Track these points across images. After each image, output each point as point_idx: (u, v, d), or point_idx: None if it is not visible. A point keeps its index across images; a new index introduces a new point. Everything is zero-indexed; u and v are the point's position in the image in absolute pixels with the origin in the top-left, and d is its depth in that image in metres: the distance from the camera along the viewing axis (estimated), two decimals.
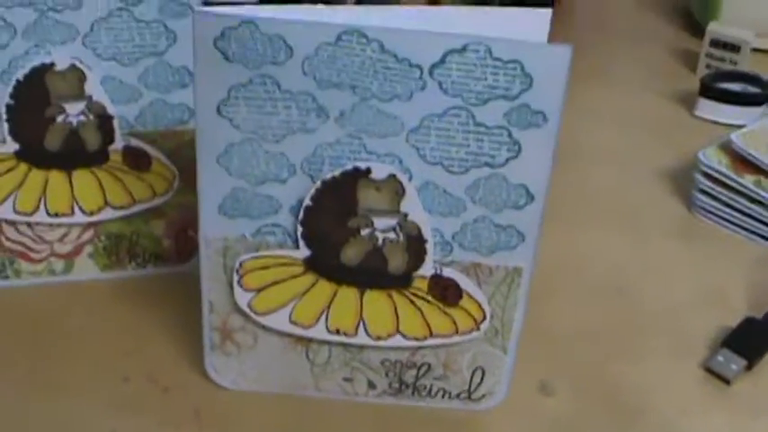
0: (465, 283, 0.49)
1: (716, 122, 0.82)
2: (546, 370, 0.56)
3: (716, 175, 0.67)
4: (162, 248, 0.59)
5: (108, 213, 0.57)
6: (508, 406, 0.53)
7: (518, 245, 0.48)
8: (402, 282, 0.48)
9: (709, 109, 0.81)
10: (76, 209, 0.56)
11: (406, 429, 0.52)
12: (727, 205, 0.67)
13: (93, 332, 0.56)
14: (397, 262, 0.48)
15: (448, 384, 0.52)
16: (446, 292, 0.49)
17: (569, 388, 0.55)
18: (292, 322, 0.49)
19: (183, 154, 0.56)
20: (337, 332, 0.49)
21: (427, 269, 0.48)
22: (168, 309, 0.57)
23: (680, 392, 0.56)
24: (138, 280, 0.59)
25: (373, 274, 0.48)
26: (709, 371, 0.57)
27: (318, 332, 0.50)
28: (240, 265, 0.48)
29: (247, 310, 0.49)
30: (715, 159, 0.68)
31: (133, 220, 0.58)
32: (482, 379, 0.52)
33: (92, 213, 0.57)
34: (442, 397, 0.52)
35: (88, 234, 0.58)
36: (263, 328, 0.50)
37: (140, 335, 0.56)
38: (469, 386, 0.52)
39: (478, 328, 0.50)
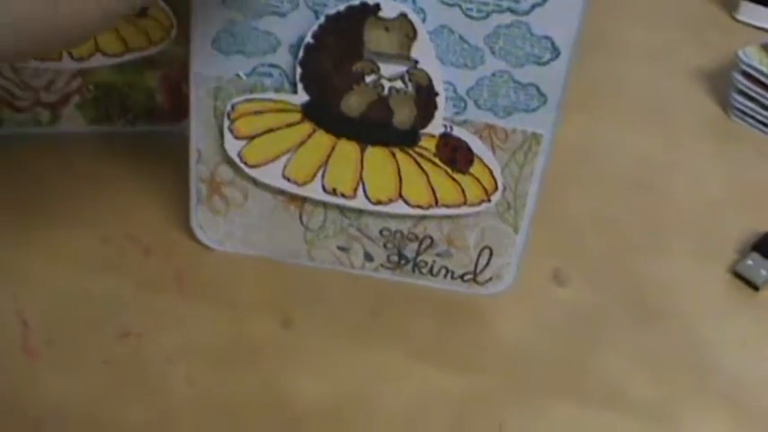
0: (477, 146, 0.44)
1: (758, 28, 0.76)
2: (561, 258, 0.52)
3: (756, 74, 0.62)
4: (155, 104, 0.54)
5: (98, 60, 0.52)
6: (517, 293, 0.49)
7: (539, 107, 0.43)
8: (408, 139, 0.44)
9: (751, 12, 0.76)
10: (64, 53, 0.51)
11: (402, 309, 0.48)
12: (766, 108, 0.62)
13: (74, 189, 0.52)
14: (403, 115, 0.43)
15: (451, 263, 0.48)
16: (455, 154, 0.44)
17: (585, 279, 0.51)
18: (285, 177, 0.45)
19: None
20: (334, 192, 0.45)
21: (436, 127, 0.44)
22: (157, 170, 0.53)
23: (704, 295, 0.51)
24: (127, 137, 0.55)
25: (376, 128, 0.44)
26: (737, 275, 0.52)
27: (314, 191, 0.45)
28: (232, 108, 0.44)
29: (237, 161, 0.45)
30: (756, 58, 0.62)
31: (125, 70, 0.53)
32: (489, 259, 0.47)
33: (81, 59, 0.52)
34: (445, 276, 0.48)
35: (76, 83, 0.53)
36: (254, 182, 0.46)
37: (125, 195, 0.52)
38: (475, 267, 0.48)
39: (489, 200, 0.45)
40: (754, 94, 0.62)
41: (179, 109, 0.54)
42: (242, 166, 0.45)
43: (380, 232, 0.47)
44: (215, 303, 0.46)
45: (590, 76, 0.62)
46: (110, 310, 0.45)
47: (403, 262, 0.48)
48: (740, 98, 0.63)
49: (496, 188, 0.45)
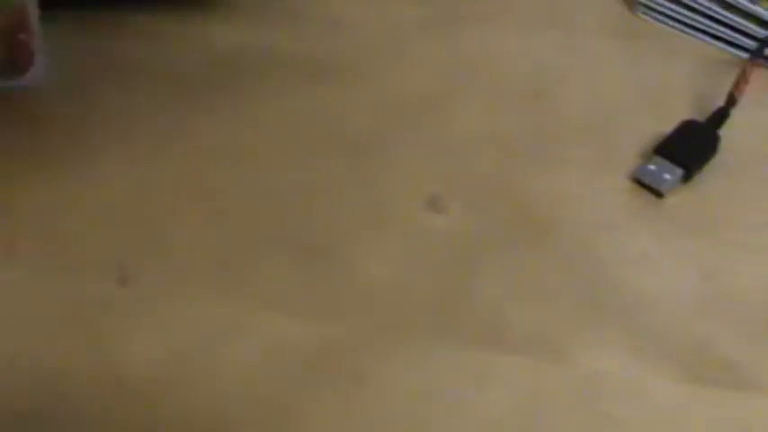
0: None
1: None
2: (439, 182, 0.46)
3: None
4: None
5: None
6: (384, 225, 0.43)
7: None
8: None
9: None
10: None
11: (254, 255, 0.42)
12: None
13: None
14: None
15: None
16: None
17: (467, 204, 0.46)
18: None
19: None
20: None
21: None
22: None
23: (601, 208, 0.47)
24: None
25: None
26: (639, 182, 0.47)
27: None
28: None
29: None
30: None
31: None
32: None
33: None
34: None
35: None
36: None
37: None
38: None
39: None
40: None
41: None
42: None
43: None
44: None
45: None
46: None
47: None
48: None
49: None
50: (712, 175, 0.48)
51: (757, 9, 0.54)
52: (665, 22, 0.57)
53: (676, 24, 0.57)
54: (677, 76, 0.54)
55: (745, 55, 0.54)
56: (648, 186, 0.47)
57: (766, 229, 0.45)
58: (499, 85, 0.53)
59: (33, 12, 0.45)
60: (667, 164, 0.47)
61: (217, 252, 0.43)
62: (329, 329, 0.40)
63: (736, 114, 0.50)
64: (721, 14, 0.55)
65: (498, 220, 0.45)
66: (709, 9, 0.55)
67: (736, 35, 0.55)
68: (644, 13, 0.58)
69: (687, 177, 0.47)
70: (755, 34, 0.54)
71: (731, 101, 0.49)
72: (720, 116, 0.49)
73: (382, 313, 0.41)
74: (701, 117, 0.50)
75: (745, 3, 0.54)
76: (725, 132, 0.49)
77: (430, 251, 0.44)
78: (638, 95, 0.52)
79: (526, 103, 0.52)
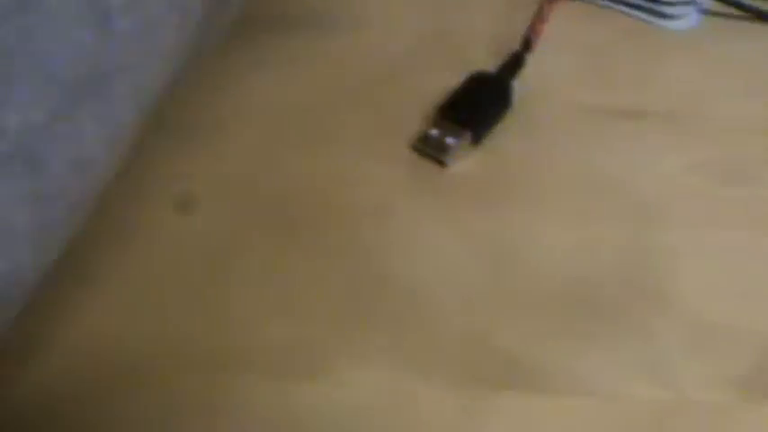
0: None
1: None
2: (188, 178, 0.39)
3: None
4: None
5: None
6: (133, 231, 0.36)
7: None
8: None
9: None
10: None
11: None
12: None
13: None
14: None
15: None
16: None
17: (221, 200, 0.38)
18: None
19: None
20: None
21: None
22: None
23: (375, 185, 0.39)
24: None
25: None
26: (420, 151, 0.40)
27: None
28: None
29: None
30: None
31: None
32: None
33: None
34: None
35: None
36: None
37: None
38: None
39: None
40: None
41: None
42: None
43: None
44: None
45: None
46: None
47: None
48: None
49: None
50: (506, 136, 0.41)
51: None
52: None
53: None
54: (469, 22, 0.46)
55: None
56: (430, 155, 0.40)
57: (565, 197, 0.39)
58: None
59: None
60: (452, 126, 0.40)
61: None
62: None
63: (533, 60, 0.43)
64: None
65: (258, 217, 0.38)
66: None
67: None
68: None
69: (476, 140, 0.41)
70: None
71: (527, 45, 0.43)
72: (513, 64, 0.42)
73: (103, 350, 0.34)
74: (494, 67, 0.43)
75: None
76: (520, 83, 0.42)
77: (176, 261, 0.36)
78: (425, 48, 0.45)
79: (296, 70, 0.44)
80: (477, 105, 0.41)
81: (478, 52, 0.44)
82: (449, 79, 0.42)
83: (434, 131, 0.40)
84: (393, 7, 0.47)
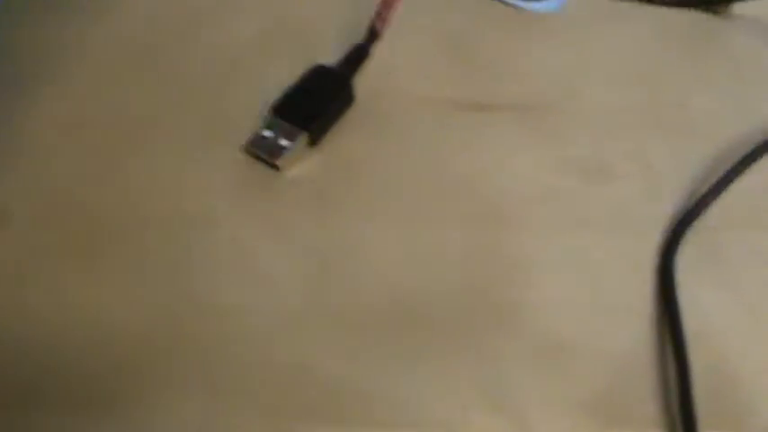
0: None
1: None
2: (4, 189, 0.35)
3: None
4: None
5: None
6: None
7: None
8: None
9: None
10: None
11: None
12: None
13: None
14: None
15: None
16: None
17: (34, 212, 0.35)
18: None
19: None
20: None
21: None
22: None
23: (202, 192, 0.36)
24: None
25: None
26: (253, 154, 0.36)
27: None
28: None
29: None
30: None
31: None
32: None
33: None
34: None
35: None
36: None
37: None
38: None
39: None
40: None
41: None
42: None
43: None
44: None
45: None
46: None
47: None
48: None
49: None
50: (345, 136, 0.38)
51: None
52: None
53: None
54: (324, 6, 0.42)
55: None
56: (263, 159, 0.36)
57: (408, 201, 0.35)
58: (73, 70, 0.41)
59: None
60: (287, 126, 0.37)
61: None
62: None
63: (380, 51, 0.39)
64: None
65: (72, 230, 0.34)
66: None
67: None
68: None
69: (314, 141, 0.37)
70: None
71: (372, 36, 0.39)
72: (356, 57, 0.39)
73: None
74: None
75: None
76: (364, 77, 0.38)
77: None
78: (273, 37, 0.41)
79: (133, 73, 0.40)
80: (314, 103, 0.37)
81: (324, 43, 0.40)
82: (292, 75, 0.38)
83: (268, 132, 0.37)
84: (233, 9, 0.43)
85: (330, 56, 0.39)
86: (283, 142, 0.36)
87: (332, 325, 0.32)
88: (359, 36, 0.40)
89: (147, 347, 0.31)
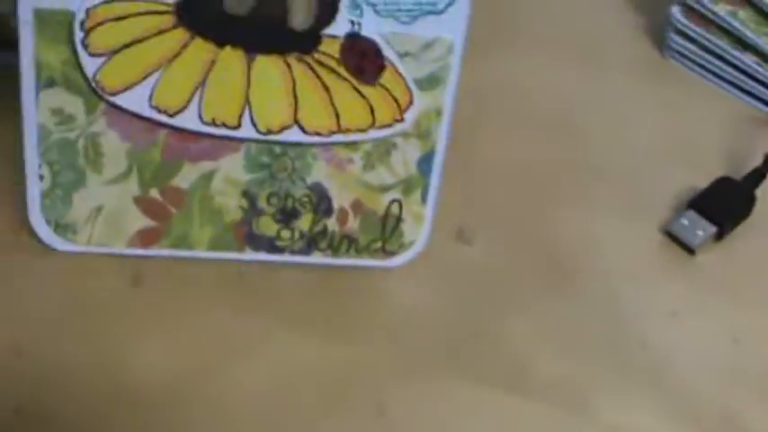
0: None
1: None
2: (466, 213, 0.45)
3: (698, 7, 0.55)
4: None
5: None
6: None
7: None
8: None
9: None
10: None
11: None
12: (707, 50, 0.55)
13: None
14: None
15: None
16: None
17: (493, 237, 0.44)
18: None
19: None
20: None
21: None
22: None
23: (630, 258, 0.45)
24: None
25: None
26: (670, 235, 0.46)
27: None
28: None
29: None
30: None
31: None
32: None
33: None
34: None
35: None
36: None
37: None
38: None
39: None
40: (693, 34, 0.55)
41: None
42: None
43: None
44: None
45: (510, 7, 0.55)
46: None
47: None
48: (677, 38, 0.56)
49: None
50: (745, 236, 0.47)
51: None
52: (696, 71, 0.56)
53: (708, 74, 0.56)
54: (708, 129, 0.53)
55: None
56: (680, 241, 0.46)
57: None
58: (527, 117, 0.51)
59: None
60: (701, 220, 0.46)
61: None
62: (350, 355, 0.38)
63: None
64: (754, 69, 0.54)
65: (525, 258, 0.43)
66: (743, 63, 0.54)
67: None
68: (675, 59, 0.57)
69: (720, 236, 0.46)
70: None
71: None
72: (758, 176, 0.48)
73: (406, 344, 0.39)
74: (731, 173, 0.49)
75: None
76: (760, 193, 0.48)
77: (457, 283, 0.42)
78: (669, 144, 0.51)
79: (555, 138, 0.50)
80: (723, 206, 0.47)
81: (714, 159, 0.50)
82: (690, 178, 0.48)
83: (685, 221, 0.46)
84: (634, 103, 0.53)
85: (723, 171, 0.49)
86: (698, 232, 0.46)
87: (754, 384, 0.40)
88: (748, 159, 0.49)
89: (602, 367, 0.40)
